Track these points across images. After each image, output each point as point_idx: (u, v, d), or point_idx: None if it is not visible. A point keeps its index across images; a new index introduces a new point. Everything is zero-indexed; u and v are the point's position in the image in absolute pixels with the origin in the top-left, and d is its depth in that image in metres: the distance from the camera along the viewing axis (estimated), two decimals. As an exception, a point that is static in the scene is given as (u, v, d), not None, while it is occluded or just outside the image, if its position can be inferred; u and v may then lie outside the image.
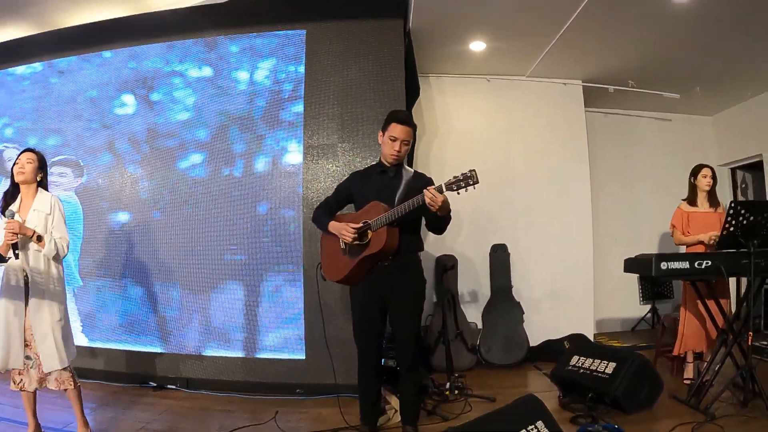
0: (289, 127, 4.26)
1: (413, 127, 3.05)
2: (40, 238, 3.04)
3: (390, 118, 3.02)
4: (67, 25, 5.23)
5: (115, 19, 4.92)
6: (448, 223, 2.93)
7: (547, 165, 5.38)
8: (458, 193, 2.62)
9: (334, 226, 3.02)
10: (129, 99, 4.69)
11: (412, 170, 3.07)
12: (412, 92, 4.50)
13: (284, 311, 4.16)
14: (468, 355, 4.65)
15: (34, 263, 3.08)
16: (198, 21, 4.57)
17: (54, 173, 4.80)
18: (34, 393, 3.17)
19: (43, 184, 3.24)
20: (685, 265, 3.33)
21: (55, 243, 3.08)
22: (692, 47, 4.75)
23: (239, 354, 4.23)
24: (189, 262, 4.35)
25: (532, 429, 2.42)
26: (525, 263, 5.23)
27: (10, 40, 5.40)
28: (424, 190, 2.67)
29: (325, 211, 3.15)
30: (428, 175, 3.10)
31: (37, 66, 5.31)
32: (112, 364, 4.43)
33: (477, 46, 4.82)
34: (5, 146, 5.34)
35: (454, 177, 2.63)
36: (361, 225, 2.89)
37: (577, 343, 4.70)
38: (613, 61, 5.09)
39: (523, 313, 4.94)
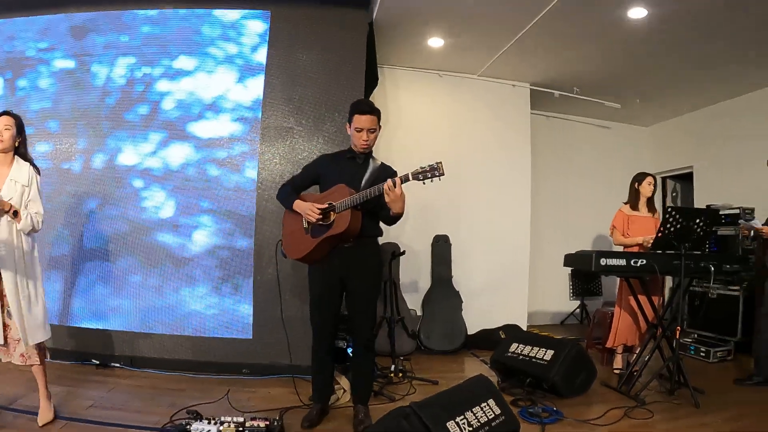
0: (249, 109, 4.45)
1: (376, 113, 3.18)
2: (16, 213, 2.96)
3: (352, 110, 3.17)
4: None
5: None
6: (399, 219, 3.10)
7: (491, 162, 5.77)
8: (423, 183, 2.79)
9: (299, 205, 3.16)
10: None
11: (380, 161, 3.23)
12: (371, 81, 4.76)
13: (233, 291, 4.32)
14: (408, 341, 4.96)
15: (5, 237, 2.99)
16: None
17: None
18: None
19: (20, 151, 3.13)
20: (623, 262, 3.70)
21: (31, 218, 3.01)
22: (637, 62, 5.24)
23: (186, 333, 4.33)
24: (132, 238, 4.44)
25: (484, 406, 2.66)
26: (465, 255, 5.60)
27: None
28: (388, 180, 2.84)
29: (291, 189, 3.28)
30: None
31: None
32: (52, 341, 4.33)
33: (435, 42, 5.12)
34: None
35: (421, 167, 2.80)
36: (326, 206, 3.04)
37: (512, 332, 5.14)
38: (562, 68, 5.53)
39: (462, 302, 5.32)
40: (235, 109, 4.41)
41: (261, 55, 4.46)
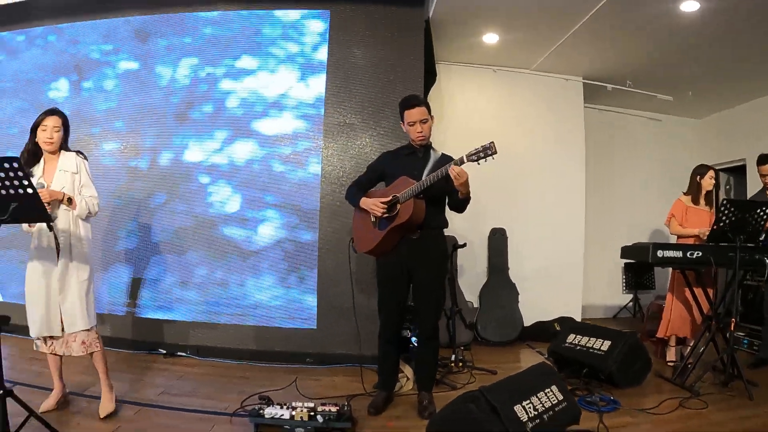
0: (311, 106, 4.66)
1: (424, 104, 3.34)
2: (70, 200, 3.09)
3: (401, 107, 3.36)
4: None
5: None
6: (468, 203, 3.26)
7: (546, 155, 5.91)
8: (478, 164, 2.95)
9: (365, 202, 3.34)
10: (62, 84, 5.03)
11: (440, 152, 3.36)
12: (429, 78, 4.93)
13: (298, 282, 4.54)
14: (466, 332, 5.11)
15: (63, 225, 3.12)
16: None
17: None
18: (61, 357, 3.26)
19: (65, 146, 3.25)
20: (679, 254, 3.83)
21: (86, 202, 3.14)
22: (689, 55, 5.31)
23: (251, 323, 4.56)
24: (199, 232, 4.70)
25: (548, 391, 2.77)
26: (521, 247, 5.75)
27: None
28: (450, 166, 3.00)
29: (357, 189, 3.46)
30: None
31: None
32: (119, 331, 4.67)
33: (490, 38, 5.27)
34: None
35: (474, 149, 2.95)
36: (389, 198, 3.21)
37: (567, 324, 5.26)
38: (615, 61, 5.62)
39: (518, 294, 5.48)
40: (298, 106, 4.63)
41: (322, 54, 4.66)
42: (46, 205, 2.89)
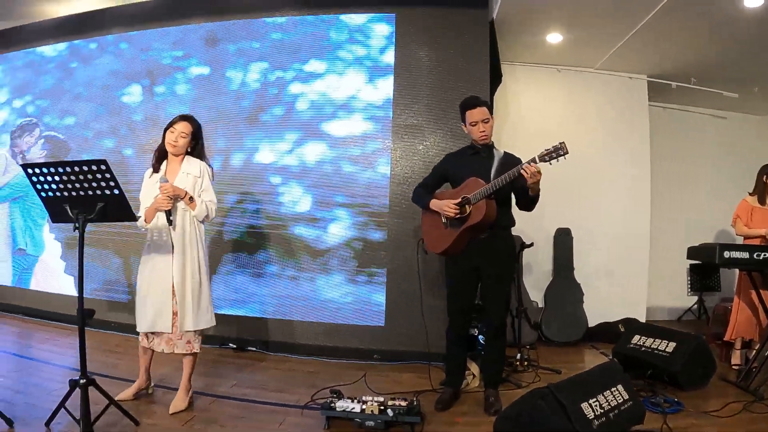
0: (379, 108, 4.81)
1: (484, 104, 3.45)
2: (191, 199, 3.27)
3: (462, 108, 3.48)
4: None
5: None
6: (537, 202, 3.36)
7: (610, 154, 5.94)
8: (550, 164, 3.05)
9: (435, 203, 3.46)
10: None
11: (503, 150, 3.50)
12: (495, 78, 5.01)
13: (367, 280, 4.69)
14: (530, 332, 5.18)
15: (180, 223, 3.29)
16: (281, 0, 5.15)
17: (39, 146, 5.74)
18: (153, 351, 3.42)
19: (193, 154, 3.43)
20: (746, 255, 3.85)
21: (206, 205, 3.32)
22: (754, 51, 5.27)
23: (320, 320, 4.74)
24: (270, 231, 4.91)
25: (614, 390, 2.85)
26: (586, 247, 5.79)
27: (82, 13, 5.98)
28: (524, 166, 3.08)
29: (424, 191, 3.60)
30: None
31: (63, 50, 5.97)
32: None
33: (554, 38, 5.36)
34: (26, 120, 5.97)
35: (546, 149, 3.05)
36: (460, 200, 3.32)
37: (632, 325, 5.29)
38: (678, 59, 5.63)
39: (583, 294, 5.53)
40: (367, 108, 4.79)
41: (389, 57, 4.81)
42: (168, 199, 3.17)
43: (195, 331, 3.35)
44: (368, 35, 4.90)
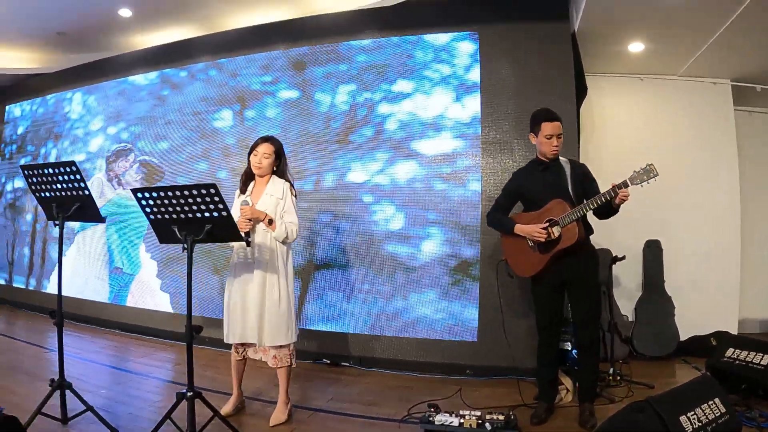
0: (468, 125, 4.93)
1: (560, 119, 3.50)
2: (271, 222, 3.39)
3: (538, 118, 3.51)
4: (230, 28, 6.14)
5: (280, 21, 5.80)
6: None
7: (696, 162, 5.85)
8: (641, 186, 3.14)
9: (520, 228, 3.50)
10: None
11: (567, 159, 3.55)
12: (580, 91, 5.06)
13: (460, 296, 4.78)
14: (621, 346, 5.16)
15: (261, 241, 3.45)
16: (364, 23, 5.37)
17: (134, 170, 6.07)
18: (244, 365, 3.61)
19: (278, 172, 3.59)
20: None
21: (285, 226, 3.43)
22: None
23: (413, 335, 4.86)
24: (363, 249, 5.07)
25: (711, 404, 2.86)
26: (675, 259, 5.71)
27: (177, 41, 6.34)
28: (620, 192, 3.16)
29: (502, 215, 3.69)
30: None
31: (154, 78, 6.35)
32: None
33: (636, 47, 5.36)
34: (121, 146, 6.36)
35: (635, 171, 3.13)
36: (547, 224, 3.39)
37: (724, 339, 5.22)
38: (763, 61, 5.52)
39: (674, 307, 5.48)
40: (455, 126, 4.91)
41: (474, 74, 4.93)
42: (247, 221, 3.34)
43: (281, 347, 3.48)
44: (453, 54, 5.02)
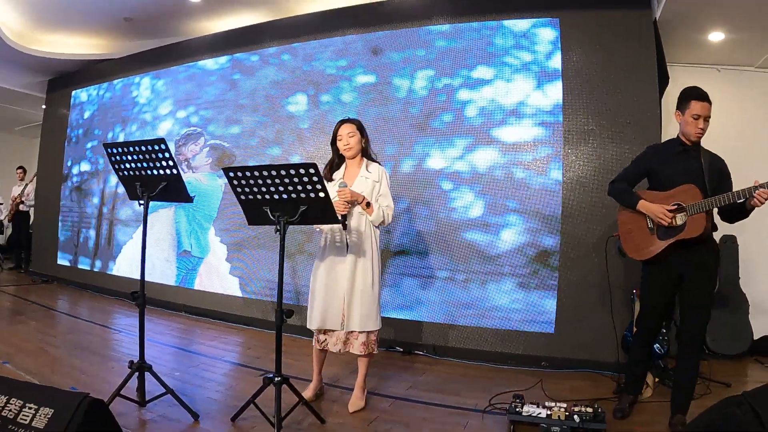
0: (549, 113, 4.93)
1: (710, 102, 3.29)
2: (368, 204, 3.37)
3: (688, 96, 3.29)
4: (299, 13, 6.24)
5: (355, 5, 5.86)
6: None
7: (773, 157, 5.83)
8: None
9: (644, 205, 3.30)
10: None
11: (708, 150, 3.31)
12: (662, 79, 5.00)
13: (539, 286, 4.78)
14: None
15: (356, 225, 3.41)
16: (443, 8, 5.42)
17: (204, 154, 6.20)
18: (326, 352, 3.56)
19: (366, 153, 3.58)
20: None
21: (382, 211, 3.41)
22: None
23: (490, 325, 4.87)
24: (441, 236, 5.10)
25: None
26: (752, 256, 5.64)
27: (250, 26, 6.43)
28: (758, 192, 2.93)
29: (627, 187, 3.44)
30: None
31: (224, 63, 6.46)
32: None
33: (716, 36, 5.27)
34: (191, 130, 6.50)
35: None
36: (675, 207, 3.19)
37: None
38: None
39: (749, 306, 5.41)
40: (536, 114, 4.90)
41: (556, 62, 4.91)
42: (346, 204, 3.29)
43: (370, 333, 3.46)
44: (534, 40, 5.01)
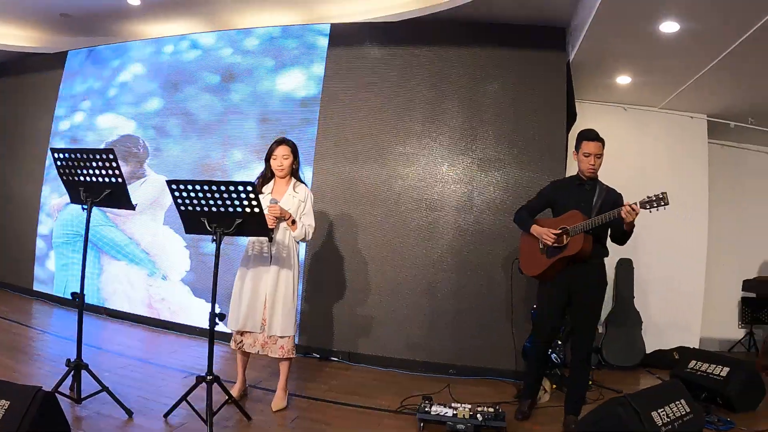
0: (459, 141, 5.43)
1: (602, 141, 3.78)
2: (294, 222, 3.65)
3: (581, 137, 3.80)
4: (237, 27, 6.44)
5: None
6: (630, 236, 3.70)
7: (670, 188, 6.17)
8: (650, 212, 3.42)
9: (536, 229, 3.82)
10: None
11: (606, 185, 3.80)
12: (570, 116, 5.56)
13: (446, 297, 5.24)
14: (591, 355, 5.73)
15: (281, 239, 3.71)
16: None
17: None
18: (249, 355, 3.86)
19: (296, 174, 3.86)
20: None
21: (305, 228, 3.72)
22: None
23: (399, 334, 5.28)
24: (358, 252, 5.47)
25: (678, 403, 3.36)
26: (645, 278, 6.29)
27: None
28: (625, 206, 3.42)
29: (526, 214, 3.97)
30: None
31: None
32: None
33: (623, 79, 5.87)
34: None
35: (648, 197, 3.42)
36: (560, 231, 3.69)
37: (686, 353, 5.75)
38: (738, 100, 6.11)
39: (642, 322, 6.02)
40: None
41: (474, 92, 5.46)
42: (273, 219, 3.56)
43: (288, 338, 3.73)
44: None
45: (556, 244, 3.72)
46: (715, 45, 4.84)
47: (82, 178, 3.52)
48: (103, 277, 6.50)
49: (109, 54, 7.00)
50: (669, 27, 4.58)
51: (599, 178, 3.89)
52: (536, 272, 3.90)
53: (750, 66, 5.21)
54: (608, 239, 3.91)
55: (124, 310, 6.31)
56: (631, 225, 3.56)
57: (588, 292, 3.77)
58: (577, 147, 3.85)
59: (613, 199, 3.76)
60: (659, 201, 3.44)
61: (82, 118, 6.98)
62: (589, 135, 3.82)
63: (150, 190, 6.29)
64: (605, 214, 3.54)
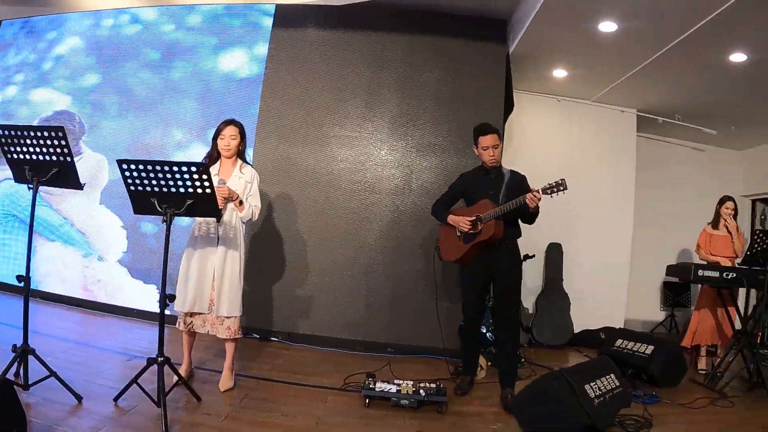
0: (399, 126, 5.59)
1: (496, 131, 4.02)
2: (241, 203, 3.65)
3: (476, 133, 4.05)
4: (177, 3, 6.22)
5: None
6: (536, 217, 3.97)
7: (600, 178, 6.77)
8: (551, 196, 3.66)
9: (452, 218, 4.10)
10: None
11: (509, 169, 4.08)
12: (508, 106, 5.78)
13: (380, 278, 5.42)
14: (522, 334, 5.94)
15: (227, 219, 3.71)
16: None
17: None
18: (194, 336, 3.83)
19: (242, 155, 3.85)
20: (716, 274, 4.69)
21: (252, 209, 3.74)
22: (735, 96, 6.15)
23: (336, 315, 5.43)
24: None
25: (608, 378, 3.61)
26: (574, 261, 6.62)
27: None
28: (529, 195, 3.66)
29: (442, 207, 4.25)
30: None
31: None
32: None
33: (559, 73, 6.16)
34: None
35: (549, 184, 3.64)
36: (474, 218, 3.95)
37: (612, 333, 6.10)
38: (666, 97, 6.50)
39: (570, 303, 6.34)
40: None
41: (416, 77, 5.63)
42: (222, 199, 3.48)
43: (234, 318, 3.74)
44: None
45: (471, 231, 3.98)
46: (650, 46, 5.14)
47: (27, 156, 3.34)
48: (35, 259, 6.34)
49: (44, 25, 6.77)
50: (607, 27, 4.86)
51: (502, 165, 4.16)
52: (456, 257, 4.15)
53: (680, 67, 5.55)
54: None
55: (59, 293, 6.11)
56: (536, 208, 3.81)
57: (506, 271, 4.04)
58: (476, 142, 4.09)
59: (518, 181, 4.04)
60: (558, 187, 3.66)
61: (15, 92, 6.73)
62: (484, 130, 4.05)
63: (86, 168, 6.12)
64: (512, 201, 3.79)
